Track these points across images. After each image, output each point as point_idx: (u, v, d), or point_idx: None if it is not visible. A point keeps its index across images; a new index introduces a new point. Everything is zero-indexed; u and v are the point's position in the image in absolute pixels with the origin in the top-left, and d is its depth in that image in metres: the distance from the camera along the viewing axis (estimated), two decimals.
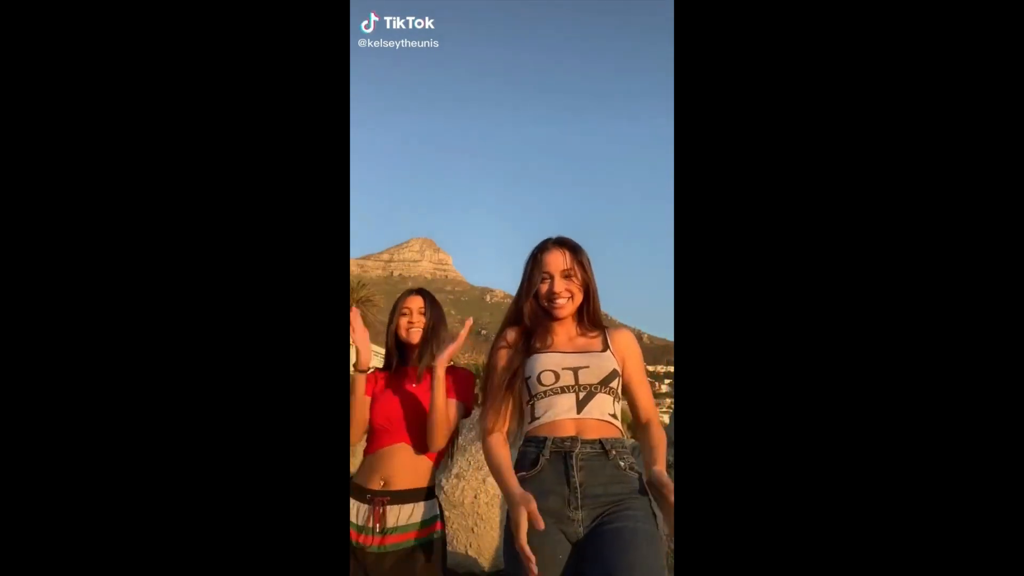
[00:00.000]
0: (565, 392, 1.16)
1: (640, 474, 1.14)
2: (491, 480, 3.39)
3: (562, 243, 1.27)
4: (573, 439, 1.12)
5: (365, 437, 1.42)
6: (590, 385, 1.16)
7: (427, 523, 1.33)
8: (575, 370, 1.17)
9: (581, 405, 1.15)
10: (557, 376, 1.17)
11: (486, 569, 3.11)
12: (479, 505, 2.90)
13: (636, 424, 1.25)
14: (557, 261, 1.24)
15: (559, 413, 1.15)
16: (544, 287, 1.23)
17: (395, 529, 1.29)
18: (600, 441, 1.12)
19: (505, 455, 1.15)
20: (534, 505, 1.01)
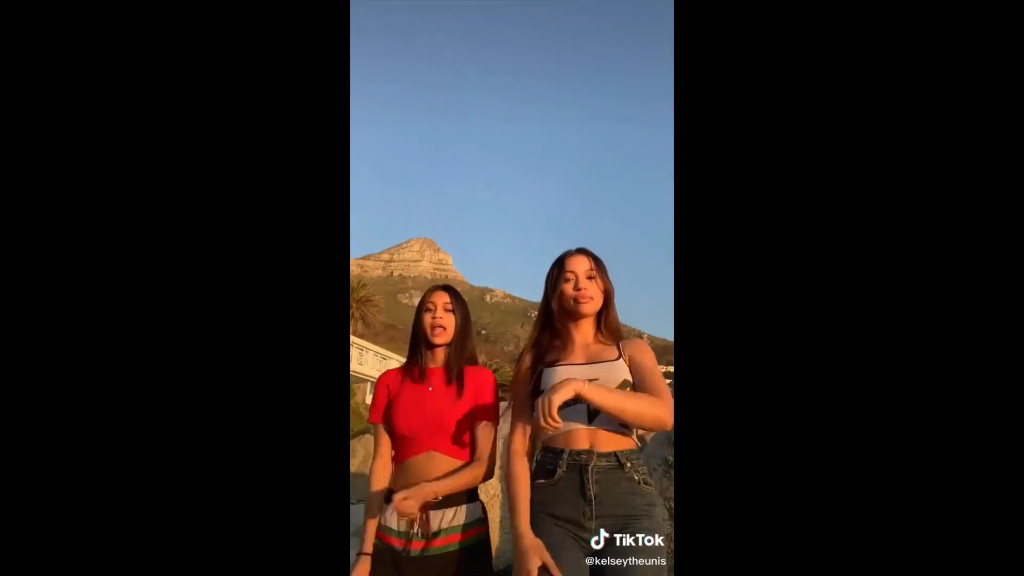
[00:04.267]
0: (577, 404, 1.17)
1: (652, 486, 1.17)
2: (491, 480, 3.38)
3: (584, 251, 1.32)
4: (588, 452, 1.15)
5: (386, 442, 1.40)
6: None
7: (471, 526, 1.30)
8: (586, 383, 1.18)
9: (592, 415, 1.17)
10: None
11: None
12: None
13: None
14: (581, 264, 1.29)
15: (572, 424, 1.17)
16: (568, 286, 1.27)
17: (439, 532, 1.27)
18: (615, 454, 1.15)
19: (525, 488, 1.17)
20: (547, 555, 1.05)
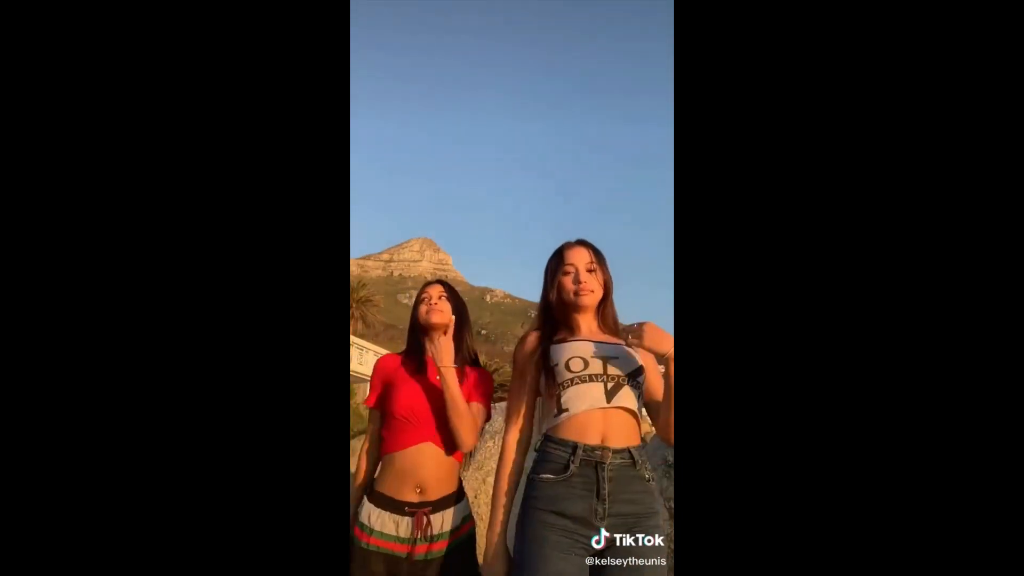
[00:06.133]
0: (593, 381, 1.14)
1: (655, 483, 1.17)
2: (491, 480, 3.37)
3: (584, 243, 1.29)
4: (603, 449, 1.10)
5: (376, 432, 1.38)
6: (618, 376, 1.15)
7: (461, 525, 1.32)
8: (605, 359, 1.16)
9: (610, 395, 1.13)
10: (586, 363, 1.15)
11: None
12: (479, 505, 2.89)
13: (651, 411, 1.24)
14: (581, 256, 1.26)
15: (588, 403, 1.13)
16: (568, 279, 1.24)
17: (440, 535, 1.29)
18: (629, 451, 1.12)
19: (511, 473, 1.20)
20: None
